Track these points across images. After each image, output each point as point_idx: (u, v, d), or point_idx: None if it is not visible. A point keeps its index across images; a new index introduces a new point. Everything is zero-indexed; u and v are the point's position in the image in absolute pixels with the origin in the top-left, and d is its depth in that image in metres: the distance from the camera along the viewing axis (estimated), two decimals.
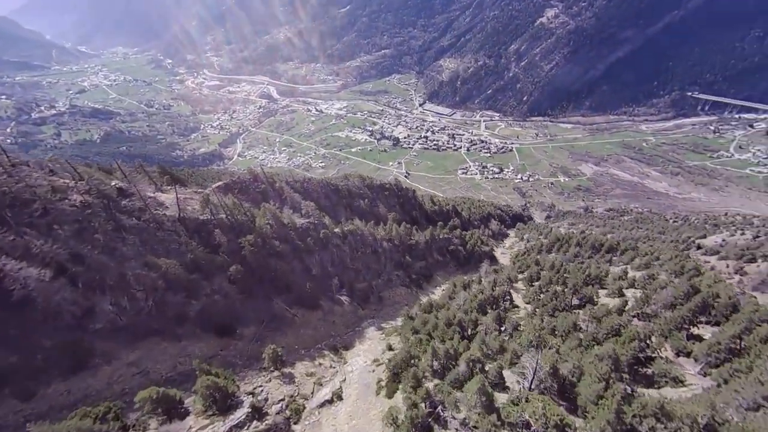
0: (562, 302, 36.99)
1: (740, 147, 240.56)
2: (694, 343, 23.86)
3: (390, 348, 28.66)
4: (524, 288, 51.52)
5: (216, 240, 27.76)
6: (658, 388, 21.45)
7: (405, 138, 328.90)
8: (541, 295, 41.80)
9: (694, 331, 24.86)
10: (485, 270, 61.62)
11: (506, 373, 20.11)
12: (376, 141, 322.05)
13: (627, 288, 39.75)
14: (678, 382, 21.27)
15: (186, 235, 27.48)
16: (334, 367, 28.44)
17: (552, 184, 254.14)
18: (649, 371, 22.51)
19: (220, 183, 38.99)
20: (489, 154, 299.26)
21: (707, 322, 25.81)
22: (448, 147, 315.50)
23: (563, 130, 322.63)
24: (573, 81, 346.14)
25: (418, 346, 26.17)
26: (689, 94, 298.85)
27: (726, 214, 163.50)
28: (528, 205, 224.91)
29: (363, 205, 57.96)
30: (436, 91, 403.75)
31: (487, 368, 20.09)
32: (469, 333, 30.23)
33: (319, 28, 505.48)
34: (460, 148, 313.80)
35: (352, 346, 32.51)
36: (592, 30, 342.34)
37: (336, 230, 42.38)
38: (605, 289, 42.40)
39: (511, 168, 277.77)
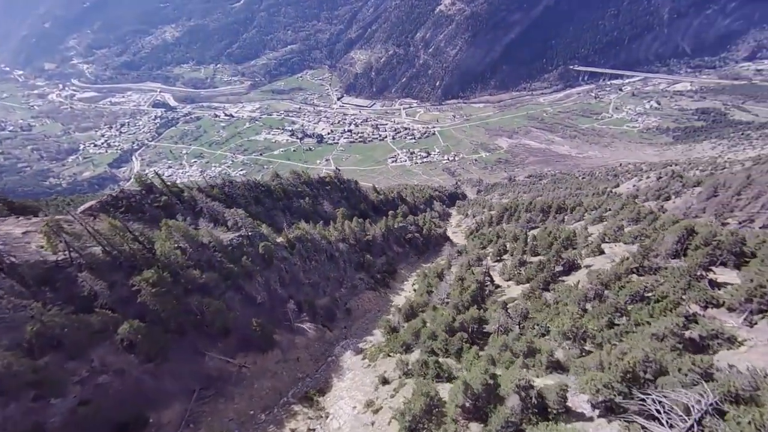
0: (550, 273, 33.77)
1: (616, 108, 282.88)
2: (720, 290, 21.30)
3: (384, 381, 21.38)
4: (495, 263, 48.42)
5: (84, 289, 17.15)
6: (714, 353, 18.13)
7: (329, 134, 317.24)
8: (522, 270, 38.47)
9: (713, 277, 22.50)
10: (449, 253, 57.69)
11: (574, 398, 14.39)
12: (299, 140, 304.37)
13: (603, 243, 38.31)
14: (732, 341, 18.09)
15: (26, 292, 16.45)
16: (313, 429, 20.22)
17: (476, 160, 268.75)
18: (694, 334, 19.19)
19: (91, 203, 26.65)
20: (414, 140, 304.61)
21: (719, 264, 23.79)
22: (373, 138, 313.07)
23: (476, 110, 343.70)
24: (477, 63, 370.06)
25: (425, 371, 19.42)
26: (571, 67, 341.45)
27: (620, 165, 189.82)
28: (459, 182, 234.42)
29: (304, 204, 48.83)
30: (352, 84, 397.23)
31: (543, 392, 14.17)
32: (474, 333, 24.56)
33: (211, 25, 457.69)
34: (386, 137, 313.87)
35: (329, 387, 24.41)
36: (486, 15, 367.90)
37: (279, 240, 33.18)
38: (577, 249, 40.87)
39: (437, 151, 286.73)
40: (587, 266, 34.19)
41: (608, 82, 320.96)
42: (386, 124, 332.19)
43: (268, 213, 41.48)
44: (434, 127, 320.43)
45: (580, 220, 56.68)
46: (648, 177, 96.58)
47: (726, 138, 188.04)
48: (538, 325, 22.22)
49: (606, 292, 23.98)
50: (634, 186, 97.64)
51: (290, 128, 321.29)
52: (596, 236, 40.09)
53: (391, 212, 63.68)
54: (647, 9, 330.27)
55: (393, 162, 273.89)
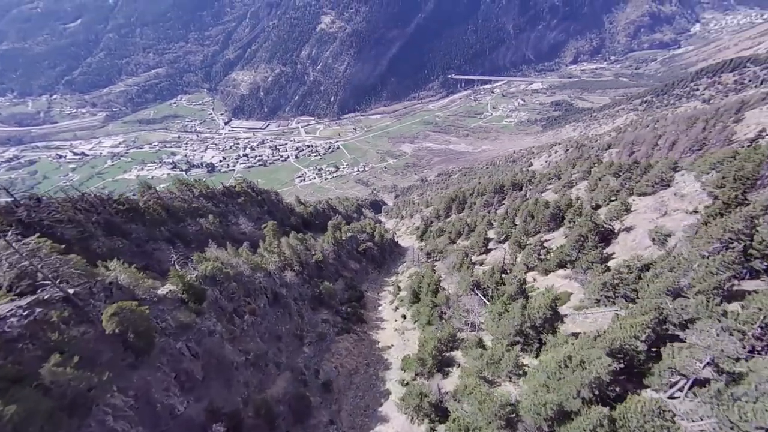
0: (594, 247, 24.73)
1: (493, 107, 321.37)
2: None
3: None
4: (484, 256, 38.56)
5: None
6: None
7: (221, 161, 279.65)
8: (545, 254, 28.96)
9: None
10: (416, 258, 46.02)
11: None
12: (184, 172, 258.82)
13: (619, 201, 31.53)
14: None
15: None
16: None
17: (385, 168, 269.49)
18: None
19: None
20: (320, 157, 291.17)
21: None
22: (275, 160, 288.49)
23: (375, 121, 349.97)
24: (366, 77, 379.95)
25: None
26: (449, 76, 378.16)
27: (513, 152, 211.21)
28: (375, 191, 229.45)
29: (208, 225, 31.01)
30: (239, 107, 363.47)
31: None
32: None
33: (36, 48, 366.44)
34: (288, 157, 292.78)
35: None
36: (366, 32, 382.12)
37: (166, 290, 16.30)
38: (563, 226, 33.87)
39: (345, 164, 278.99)
40: (628, 228, 26.23)
41: (481, 87, 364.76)
42: (286, 144, 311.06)
43: (138, 247, 23.14)
44: (337, 142, 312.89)
45: (544, 191, 51.93)
46: (556, 152, 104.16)
47: (581, 121, 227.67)
48: None
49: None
50: (546, 161, 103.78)
51: (171, 160, 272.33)
52: (603, 196, 33.39)
53: (332, 222, 49.10)
54: (497, 26, 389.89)
55: (301, 181, 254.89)
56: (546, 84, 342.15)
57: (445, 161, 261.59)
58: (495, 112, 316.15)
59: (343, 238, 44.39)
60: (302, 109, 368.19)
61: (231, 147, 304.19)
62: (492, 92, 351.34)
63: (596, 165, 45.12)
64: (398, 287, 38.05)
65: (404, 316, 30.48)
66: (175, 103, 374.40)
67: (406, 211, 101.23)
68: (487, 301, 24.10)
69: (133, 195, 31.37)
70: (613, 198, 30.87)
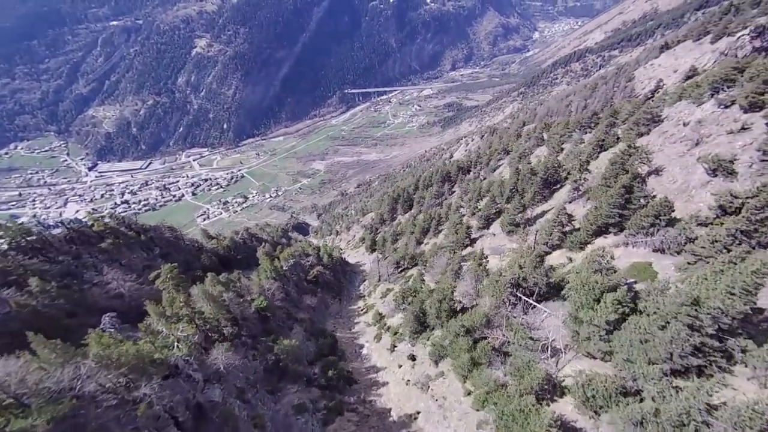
0: (590, 224, 19.01)
1: (394, 115, 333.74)
2: None
3: None
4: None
5: None
6: None
7: (91, 214, 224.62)
8: (541, 232, 22.58)
9: None
10: (383, 273, 36.41)
11: None
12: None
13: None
14: None
15: None
16: None
17: (300, 189, 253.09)
18: None
19: None
20: (222, 189, 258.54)
21: None
22: (166, 201, 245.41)
23: (279, 143, 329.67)
24: (260, 100, 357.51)
25: None
26: (346, 91, 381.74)
27: (425, 152, 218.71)
28: (294, 214, 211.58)
29: (25, 299, 16.15)
30: (106, 147, 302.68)
31: None
32: None
33: None
34: (183, 196, 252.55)
35: None
36: (250, 54, 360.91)
37: None
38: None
39: (254, 192, 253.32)
40: (657, 170, 21.52)
41: (378, 98, 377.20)
42: (178, 182, 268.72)
43: None
44: (240, 170, 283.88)
45: (496, 169, 48.05)
46: (472, 140, 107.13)
47: (474, 117, 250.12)
48: None
49: None
50: (466, 150, 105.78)
51: (12, 225, 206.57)
52: (590, 150, 29.18)
53: (263, 251, 36.22)
54: (380, 41, 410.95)
55: (205, 219, 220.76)
56: (435, 89, 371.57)
57: (361, 172, 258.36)
58: (396, 119, 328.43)
59: (285, 268, 32.30)
60: (191, 140, 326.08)
61: (103, 196, 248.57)
62: (389, 102, 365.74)
63: (546, 129, 42.99)
64: (379, 314, 28.00)
65: (413, 357, 20.59)
66: (8, 153, 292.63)
67: (339, 226, 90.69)
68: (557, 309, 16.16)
69: None
70: (611, 145, 26.94)
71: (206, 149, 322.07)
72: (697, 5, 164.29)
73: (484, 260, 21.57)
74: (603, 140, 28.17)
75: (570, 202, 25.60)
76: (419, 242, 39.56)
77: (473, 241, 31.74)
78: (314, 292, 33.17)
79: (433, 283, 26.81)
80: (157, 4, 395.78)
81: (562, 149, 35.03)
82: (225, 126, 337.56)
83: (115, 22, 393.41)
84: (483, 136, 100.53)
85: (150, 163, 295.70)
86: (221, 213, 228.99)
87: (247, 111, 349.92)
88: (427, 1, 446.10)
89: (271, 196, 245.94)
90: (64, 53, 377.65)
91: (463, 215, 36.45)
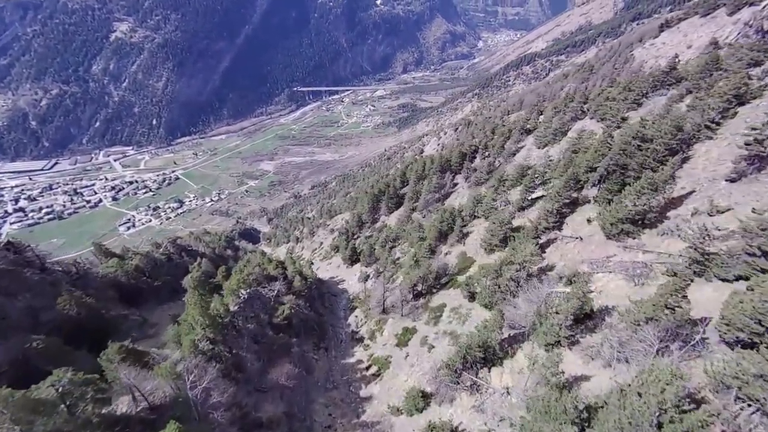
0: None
1: (347, 115, 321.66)
2: None
3: None
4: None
5: None
6: None
7: None
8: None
9: None
10: (395, 302, 24.58)
11: None
12: None
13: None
14: None
15: None
16: None
17: (247, 191, 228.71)
18: None
19: None
20: (151, 193, 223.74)
21: None
22: (77, 208, 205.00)
23: (220, 142, 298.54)
24: (197, 93, 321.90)
25: None
26: (295, 89, 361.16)
27: (385, 150, 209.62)
28: (241, 219, 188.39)
29: None
30: None
31: None
32: None
33: None
34: (100, 201, 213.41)
35: None
36: (184, 43, 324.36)
37: None
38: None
39: (192, 196, 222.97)
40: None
41: (330, 98, 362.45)
42: (93, 185, 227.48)
43: None
44: (174, 171, 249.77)
45: (515, 153, 39.00)
46: (445, 134, 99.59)
47: (430, 117, 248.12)
48: None
49: None
50: (438, 144, 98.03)
51: None
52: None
53: (194, 276, 22.44)
54: (331, 39, 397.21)
55: (129, 228, 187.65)
56: (388, 90, 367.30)
57: (315, 173, 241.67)
58: (350, 119, 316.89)
59: (235, 308, 19.10)
60: (110, 138, 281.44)
61: None
62: (342, 101, 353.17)
63: (584, 100, 34.87)
64: (420, 394, 16.17)
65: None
66: None
67: (299, 231, 76.41)
68: None
69: None
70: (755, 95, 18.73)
71: (131, 148, 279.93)
72: (630, 17, 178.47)
73: (593, 290, 11.61)
74: (739, 89, 19.98)
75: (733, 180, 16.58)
76: (433, 250, 28.64)
77: (542, 248, 21.47)
78: (287, 348, 20.05)
79: (505, 328, 16.09)
80: None
81: (624, 118, 26.81)
82: (154, 122, 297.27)
83: None
84: (457, 128, 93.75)
85: (56, 164, 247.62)
86: (150, 220, 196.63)
87: (181, 105, 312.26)
88: (378, 2, 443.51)
89: (212, 200, 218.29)
90: None
91: (497, 208, 26.42)
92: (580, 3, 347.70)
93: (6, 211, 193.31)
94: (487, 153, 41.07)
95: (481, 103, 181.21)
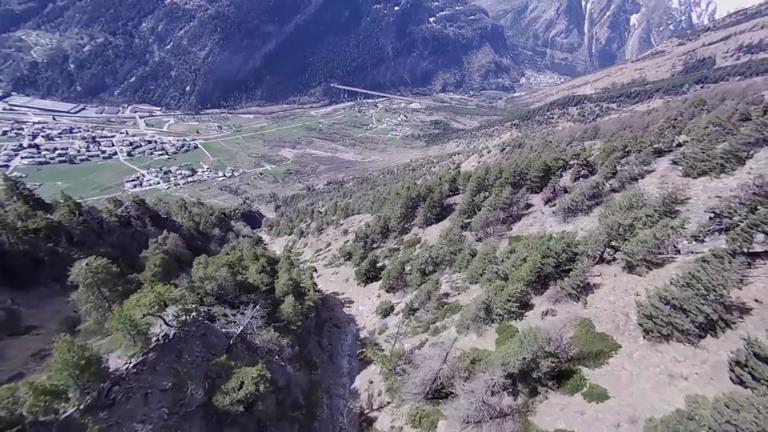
0: None
1: (378, 120, 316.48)
2: None
3: None
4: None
5: None
6: None
7: None
8: None
9: None
10: (478, 399, 14.57)
11: None
12: None
13: None
14: None
15: None
16: None
17: (261, 174, 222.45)
18: None
19: None
20: (167, 156, 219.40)
21: None
22: (90, 156, 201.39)
23: (247, 121, 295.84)
24: (237, 70, 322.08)
25: None
26: (332, 85, 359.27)
27: (410, 161, 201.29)
28: (248, 200, 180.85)
29: None
30: (26, 77, 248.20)
31: None
32: None
33: None
34: (115, 154, 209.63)
35: None
36: (235, 18, 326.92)
37: None
38: None
39: (206, 167, 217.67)
40: None
41: (364, 100, 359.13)
42: (113, 137, 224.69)
43: None
44: (195, 140, 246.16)
45: (636, 178, 29.04)
46: (489, 152, 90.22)
47: (462, 138, 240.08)
48: None
49: None
50: (478, 162, 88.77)
51: None
52: None
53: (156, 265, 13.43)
54: (377, 45, 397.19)
55: (136, 186, 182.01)
56: (423, 105, 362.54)
57: (333, 169, 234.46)
58: (380, 124, 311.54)
59: (128, 366, 9.54)
60: (142, 95, 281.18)
61: (6, 133, 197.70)
62: (376, 106, 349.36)
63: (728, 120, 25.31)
64: None
65: None
66: None
67: (306, 224, 67.13)
68: None
69: None
70: None
71: (159, 108, 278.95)
72: (694, 79, 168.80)
73: None
74: None
75: None
76: (525, 303, 18.48)
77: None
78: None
79: None
80: None
81: None
82: (188, 88, 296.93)
83: None
84: (504, 149, 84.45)
85: (82, 109, 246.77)
86: (159, 182, 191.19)
87: (218, 78, 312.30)
88: (431, 20, 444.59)
89: (225, 175, 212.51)
90: None
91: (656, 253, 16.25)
92: (635, 59, 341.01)
93: (21, 145, 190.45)
94: (583, 171, 31.14)
95: (522, 133, 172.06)
